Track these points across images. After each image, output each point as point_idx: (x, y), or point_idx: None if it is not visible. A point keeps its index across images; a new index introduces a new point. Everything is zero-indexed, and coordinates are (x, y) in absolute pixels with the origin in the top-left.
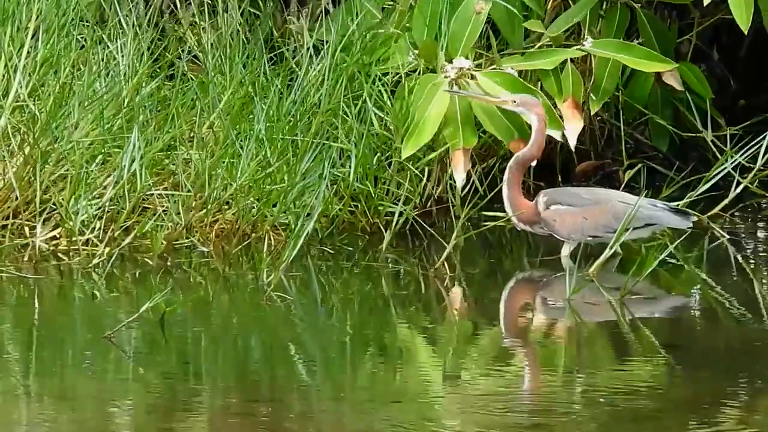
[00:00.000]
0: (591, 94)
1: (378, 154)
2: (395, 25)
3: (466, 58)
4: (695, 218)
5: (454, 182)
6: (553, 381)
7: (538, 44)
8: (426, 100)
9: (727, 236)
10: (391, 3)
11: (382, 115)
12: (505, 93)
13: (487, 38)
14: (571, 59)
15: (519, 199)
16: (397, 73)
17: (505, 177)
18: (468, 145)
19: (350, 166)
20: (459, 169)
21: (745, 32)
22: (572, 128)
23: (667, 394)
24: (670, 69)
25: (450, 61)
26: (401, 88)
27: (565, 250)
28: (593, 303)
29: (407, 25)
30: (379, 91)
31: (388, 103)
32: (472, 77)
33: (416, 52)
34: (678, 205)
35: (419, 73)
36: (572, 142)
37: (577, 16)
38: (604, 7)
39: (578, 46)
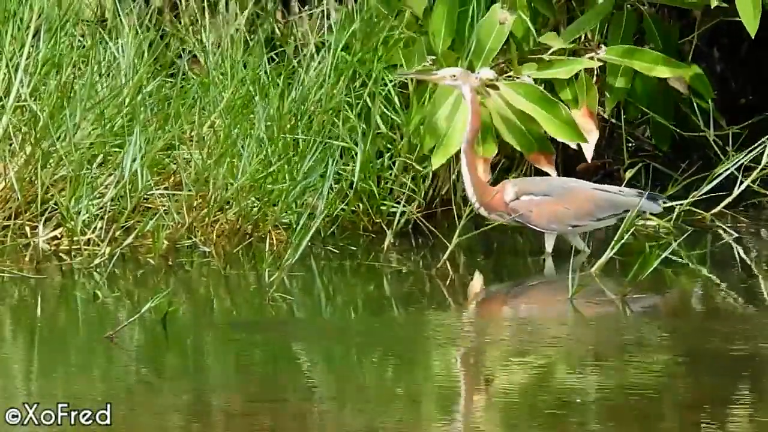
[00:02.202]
0: (605, 93)
1: (382, 153)
2: (407, 27)
3: (489, 67)
4: (665, 202)
5: (459, 182)
6: (555, 380)
7: (551, 51)
8: (453, 111)
9: (731, 235)
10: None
11: (389, 113)
12: (444, 69)
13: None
14: None
15: (479, 182)
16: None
17: (462, 162)
18: (488, 155)
19: (354, 166)
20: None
21: (753, 35)
22: (588, 138)
23: (669, 393)
24: (682, 74)
25: (473, 71)
26: (413, 92)
27: (549, 246)
28: (595, 302)
29: (422, 29)
30: (388, 91)
31: (396, 103)
32: (495, 87)
33: (433, 57)
34: (676, 198)
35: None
36: (588, 153)
37: (589, 25)
38: (611, 10)
39: (592, 54)
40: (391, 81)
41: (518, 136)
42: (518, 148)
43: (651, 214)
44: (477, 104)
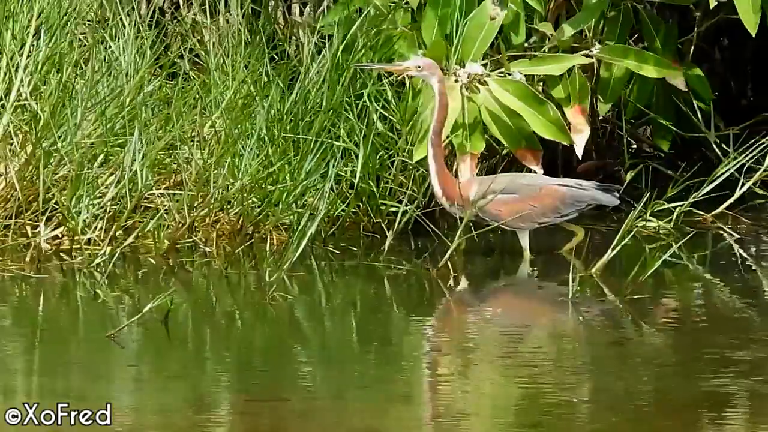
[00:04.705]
0: (599, 96)
1: (381, 153)
2: (402, 22)
3: (479, 62)
4: (618, 193)
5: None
6: (556, 381)
7: (544, 47)
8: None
9: (731, 236)
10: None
11: (386, 114)
12: (409, 60)
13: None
14: None
15: (444, 173)
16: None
17: (429, 152)
18: (476, 151)
19: (354, 166)
20: (466, 173)
21: (753, 34)
22: (579, 136)
23: (670, 394)
24: (672, 74)
25: (462, 66)
26: (408, 88)
27: (525, 242)
28: (596, 302)
29: (415, 23)
30: (383, 89)
31: (393, 101)
32: (484, 83)
33: (424, 51)
34: (676, 199)
35: None
36: (579, 150)
37: (585, 22)
38: (607, 8)
39: (586, 52)
40: (387, 77)
41: (505, 132)
42: (505, 144)
43: (652, 215)
44: (445, 96)
